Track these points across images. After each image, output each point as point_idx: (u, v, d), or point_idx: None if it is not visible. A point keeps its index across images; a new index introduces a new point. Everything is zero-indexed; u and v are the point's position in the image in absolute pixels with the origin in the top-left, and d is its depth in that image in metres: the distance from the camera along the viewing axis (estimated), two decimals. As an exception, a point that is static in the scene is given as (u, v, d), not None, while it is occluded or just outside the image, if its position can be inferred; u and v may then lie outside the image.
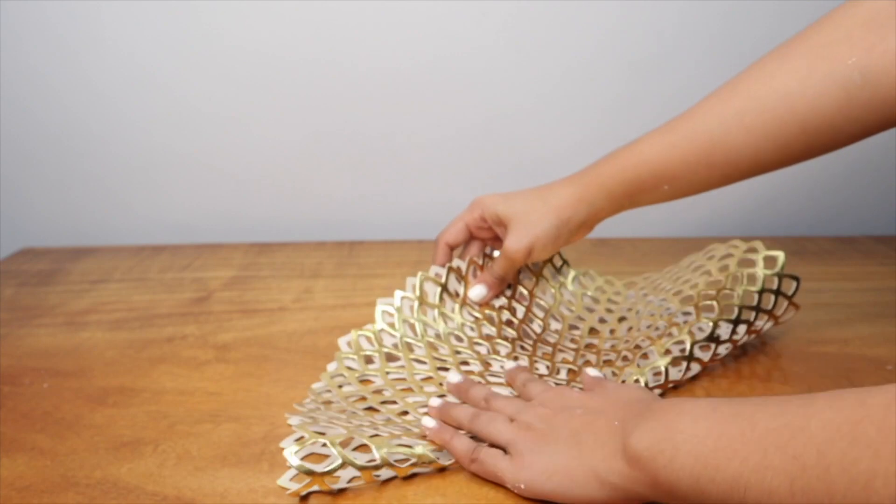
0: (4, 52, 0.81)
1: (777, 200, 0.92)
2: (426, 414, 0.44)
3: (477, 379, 0.50)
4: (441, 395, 0.49)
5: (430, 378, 0.51)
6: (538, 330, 0.57)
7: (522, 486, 0.37)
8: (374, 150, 0.87)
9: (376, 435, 0.41)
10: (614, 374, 0.50)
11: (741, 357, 0.55)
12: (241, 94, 0.84)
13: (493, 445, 0.41)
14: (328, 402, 0.48)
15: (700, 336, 0.49)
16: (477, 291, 0.57)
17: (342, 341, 0.54)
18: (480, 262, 0.59)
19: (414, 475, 0.41)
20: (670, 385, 0.48)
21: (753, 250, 0.54)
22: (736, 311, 0.50)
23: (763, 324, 0.53)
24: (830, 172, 0.91)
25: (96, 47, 0.81)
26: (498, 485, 0.40)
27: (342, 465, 0.38)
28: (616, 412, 0.37)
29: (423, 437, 0.42)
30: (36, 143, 0.86)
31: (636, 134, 0.93)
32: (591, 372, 0.47)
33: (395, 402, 0.48)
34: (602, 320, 0.60)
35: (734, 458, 0.29)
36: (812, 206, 0.92)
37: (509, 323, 0.57)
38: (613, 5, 0.81)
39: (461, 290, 0.58)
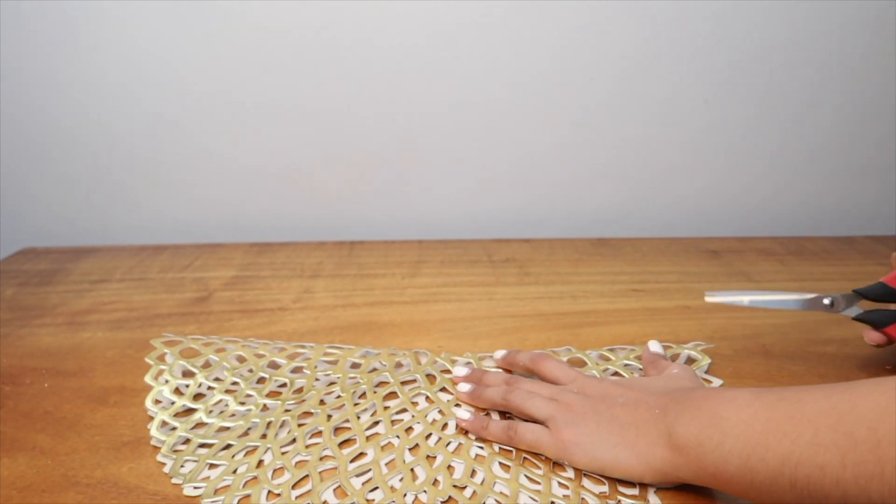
0: (4, 53, 0.81)
1: (777, 200, 0.92)
2: (457, 405, 0.47)
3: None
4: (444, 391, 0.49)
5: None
6: None
7: (565, 461, 0.40)
8: (374, 151, 0.87)
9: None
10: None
11: (741, 357, 0.55)
12: (242, 95, 0.84)
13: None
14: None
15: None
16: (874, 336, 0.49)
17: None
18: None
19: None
20: None
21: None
22: None
23: None
24: (830, 172, 0.91)
25: (97, 47, 0.81)
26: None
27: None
28: (656, 401, 0.38)
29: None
30: (36, 144, 0.86)
31: (635, 134, 0.93)
32: (653, 346, 0.49)
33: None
34: None
35: (784, 439, 0.30)
36: (812, 206, 0.92)
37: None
38: (611, 7, 0.81)
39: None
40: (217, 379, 0.50)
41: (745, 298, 0.53)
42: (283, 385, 0.50)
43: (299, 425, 0.45)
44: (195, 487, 0.40)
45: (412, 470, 0.41)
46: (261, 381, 0.50)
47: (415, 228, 0.91)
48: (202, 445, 0.43)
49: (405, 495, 0.39)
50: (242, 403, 0.47)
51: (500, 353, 0.52)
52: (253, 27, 0.81)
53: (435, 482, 0.40)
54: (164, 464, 0.42)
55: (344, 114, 0.85)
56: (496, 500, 0.38)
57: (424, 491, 0.39)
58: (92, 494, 0.40)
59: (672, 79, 0.85)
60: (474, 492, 0.39)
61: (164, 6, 0.79)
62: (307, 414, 0.47)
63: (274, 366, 0.52)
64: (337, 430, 0.45)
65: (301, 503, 0.38)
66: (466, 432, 0.44)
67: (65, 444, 0.44)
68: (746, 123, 0.88)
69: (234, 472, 0.41)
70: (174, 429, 0.45)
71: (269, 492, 0.39)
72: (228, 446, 0.43)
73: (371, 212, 0.91)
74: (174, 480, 0.40)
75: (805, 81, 0.86)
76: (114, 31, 0.80)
